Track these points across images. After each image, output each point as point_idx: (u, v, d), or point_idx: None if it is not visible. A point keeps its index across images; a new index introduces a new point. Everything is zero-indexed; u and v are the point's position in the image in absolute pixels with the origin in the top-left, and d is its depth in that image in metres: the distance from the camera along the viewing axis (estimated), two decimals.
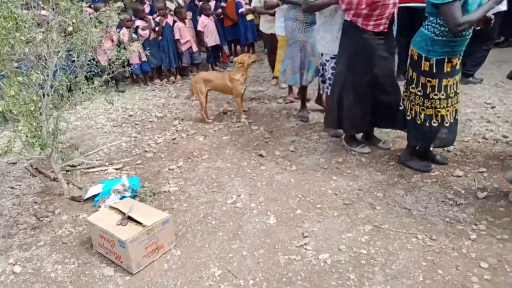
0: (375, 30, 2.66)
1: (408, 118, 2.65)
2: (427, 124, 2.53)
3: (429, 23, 2.39)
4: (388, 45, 2.77)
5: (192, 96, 4.10)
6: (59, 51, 2.68)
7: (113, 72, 3.16)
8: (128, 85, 5.84)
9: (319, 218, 2.31)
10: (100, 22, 2.66)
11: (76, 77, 2.88)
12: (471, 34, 2.39)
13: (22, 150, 2.64)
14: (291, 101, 4.35)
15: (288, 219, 2.33)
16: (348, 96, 2.87)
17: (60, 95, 2.53)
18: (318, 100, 3.93)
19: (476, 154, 2.85)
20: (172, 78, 5.82)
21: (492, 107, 3.65)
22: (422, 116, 2.53)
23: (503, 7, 4.00)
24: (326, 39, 3.03)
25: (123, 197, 2.65)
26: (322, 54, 3.16)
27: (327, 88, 3.18)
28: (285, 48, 3.75)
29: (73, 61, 2.86)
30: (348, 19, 2.72)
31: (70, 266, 2.09)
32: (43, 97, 2.36)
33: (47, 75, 2.38)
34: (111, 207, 2.23)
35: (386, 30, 2.69)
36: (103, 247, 2.11)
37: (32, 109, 2.11)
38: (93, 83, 2.84)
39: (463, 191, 2.43)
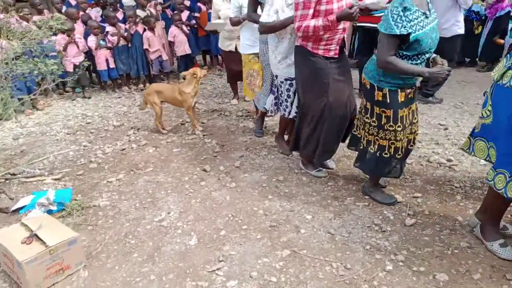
0: (325, 55, 2.58)
1: (361, 147, 2.52)
2: (378, 155, 2.40)
3: None
4: (342, 69, 2.66)
5: (146, 107, 4.04)
6: None
7: (54, 81, 3.10)
8: (96, 91, 5.77)
9: (241, 241, 2.23)
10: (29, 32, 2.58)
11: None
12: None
13: None
14: (251, 115, 4.27)
15: (210, 241, 2.26)
16: (306, 121, 2.76)
17: None
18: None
19: (416, 177, 2.81)
20: (141, 85, 5.76)
21: (445, 129, 3.62)
22: (376, 146, 2.40)
23: (461, 30, 4.01)
24: (280, 61, 2.96)
25: (50, 211, 2.57)
26: (276, 76, 3.09)
27: (284, 110, 3.11)
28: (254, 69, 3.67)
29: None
30: (298, 44, 2.65)
31: None
32: None
33: None
34: (22, 223, 2.14)
35: (336, 55, 2.60)
36: (7, 265, 2.02)
37: None
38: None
39: (392, 217, 2.37)
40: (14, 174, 3.22)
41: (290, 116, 3.10)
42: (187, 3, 6.02)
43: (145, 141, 3.79)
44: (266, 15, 2.83)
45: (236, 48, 4.16)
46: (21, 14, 4.98)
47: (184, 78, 3.84)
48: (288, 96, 3.04)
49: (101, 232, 2.39)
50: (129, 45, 5.49)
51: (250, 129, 3.97)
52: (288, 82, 2.99)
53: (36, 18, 4.98)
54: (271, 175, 2.99)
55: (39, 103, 4.96)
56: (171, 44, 5.85)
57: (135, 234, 2.35)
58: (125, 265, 2.09)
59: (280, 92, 3.11)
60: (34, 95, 3.36)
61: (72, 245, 2.00)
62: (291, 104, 3.06)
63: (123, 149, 3.63)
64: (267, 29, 2.89)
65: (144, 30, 5.48)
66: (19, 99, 2.84)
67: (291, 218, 2.42)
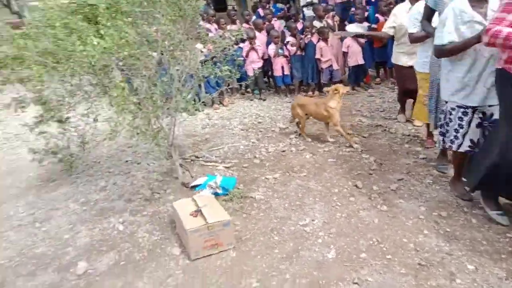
0: None
1: None
2: None
3: None
4: None
5: (294, 120, 4.22)
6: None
7: (228, 84, 3.62)
8: (271, 94, 6.36)
9: (382, 270, 2.08)
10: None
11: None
12: None
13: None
14: (427, 147, 3.65)
15: (348, 259, 2.19)
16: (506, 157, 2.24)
17: (154, 101, 2.96)
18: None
19: None
20: (310, 93, 6.02)
21: None
22: None
23: None
24: (453, 84, 2.55)
25: (216, 193, 3.02)
26: (446, 102, 2.67)
27: (450, 142, 2.66)
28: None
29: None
30: (499, 66, 2.19)
31: (154, 238, 2.56)
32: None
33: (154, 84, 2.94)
34: (193, 199, 2.60)
35: None
36: (179, 229, 2.49)
37: (132, 108, 2.65)
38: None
39: None
40: (197, 157, 3.93)
41: (461, 150, 2.61)
42: (365, 14, 5.92)
43: (304, 146, 3.96)
44: (440, 38, 2.47)
45: None
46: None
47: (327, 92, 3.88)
48: (460, 126, 2.57)
49: (252, 222, 2.65)
50: (303, 54, 5.83)
51: (416, 151, 3.61)
52: (461, 110, 2.54)
53: (229, 27, 5.87)
54: (432, 207, 2.65)
55: (225, 100, 5.85)
56: (345, 54, 5.89)
57: (280, 232, 2.51)
58: (266, 257, 2.26)
59: (447, 119, 2.66)
60: (218, 94, 4.00)
61: (226, 226, 2.30)
62: (463, 136, 2.58)
63: (283, 151, 3.90)
64: (443, 53, 2.52)
65: (319, 40, 5.70)
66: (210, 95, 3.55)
67: (447, 262, 2.09)
